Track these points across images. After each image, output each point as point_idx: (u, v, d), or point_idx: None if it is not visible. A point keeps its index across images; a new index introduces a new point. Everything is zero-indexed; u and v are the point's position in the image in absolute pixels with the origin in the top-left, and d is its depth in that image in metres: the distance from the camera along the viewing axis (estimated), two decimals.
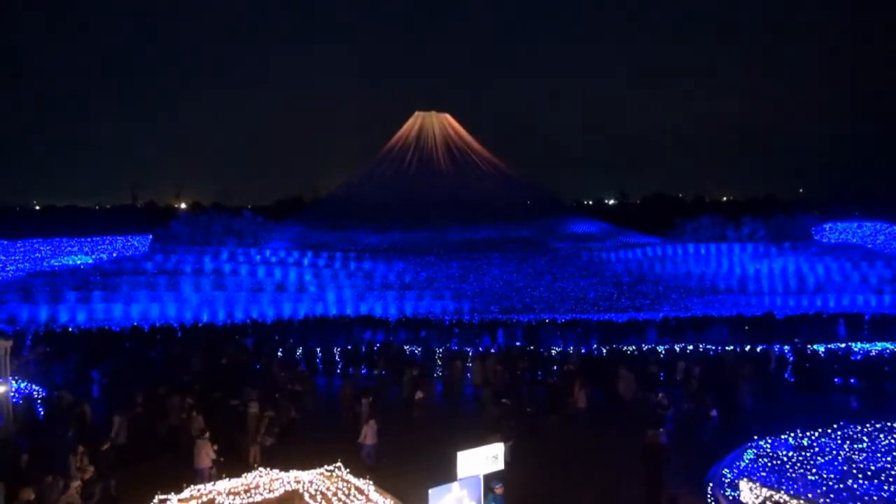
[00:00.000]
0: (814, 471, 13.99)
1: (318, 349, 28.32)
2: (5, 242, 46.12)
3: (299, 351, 28.27)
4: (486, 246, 53.57)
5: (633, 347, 28.69)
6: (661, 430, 16.18)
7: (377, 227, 61.08)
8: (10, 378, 18.43)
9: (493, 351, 27.23)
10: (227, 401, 18.90)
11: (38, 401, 20.01)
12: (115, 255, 48.27)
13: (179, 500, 11.18)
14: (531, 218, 67.38)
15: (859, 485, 13.19)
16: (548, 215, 68.87)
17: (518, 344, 30.30)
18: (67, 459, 13.94)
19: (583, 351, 27.62)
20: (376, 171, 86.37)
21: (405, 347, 28.86)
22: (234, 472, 12.67)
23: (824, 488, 12.99)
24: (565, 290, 42.95)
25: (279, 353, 27.80)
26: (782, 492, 12.83)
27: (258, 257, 45.90)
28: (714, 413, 18.96)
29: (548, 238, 60.23)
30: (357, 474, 12.33)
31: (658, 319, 34.87)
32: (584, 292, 42.64)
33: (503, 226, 62.77)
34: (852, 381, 24.66)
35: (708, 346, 27.91)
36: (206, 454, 15.09)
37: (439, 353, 27.49)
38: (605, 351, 27.98)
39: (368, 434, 16.98)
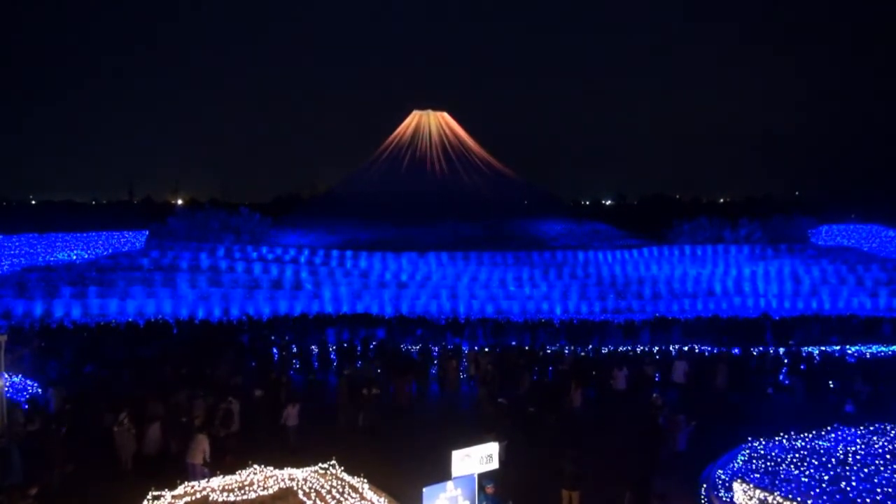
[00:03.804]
0: (808, 473, 14.02)
1: (314, 346, 28.27)
2: (1, 237, 45.91)
3: (294, 348, 28.22)
4: (482, 245, 53.48)
5: (629, 348, 28.69)
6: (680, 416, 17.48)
7: (374, 224, 60.99)
8: (4, 373, 18.35)
9: (486, 350, 27.22)
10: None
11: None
12: (111, 250, 48.09)
13: (173, 497, 11.14)
14: (528, 217, 67.27)
15: (853, 487, 13.21)
16: (545, 215, 68.77)
17: (514, 343, 30.26)
18: None
19: (578, 351, 27.62)
20: (372, 169, 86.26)
21: (402, 346, 28.83)
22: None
23: (818, 490, 13.02)
24: (561, 290, 42.94)
25: (276, 351, 27.76)
26: (776, 493, 12.85)
27: (255, 254, 45.80)
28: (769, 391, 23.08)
29: (544, 237, 60.19)
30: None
31: (651, 319, 34.90)
32: (581, 291, 42.68)
33: (500, 225, 62.70)
34: (847, 383, 24.70)
35: (703, 348, 27.94)
36: (202, 450, 15.02)
37: (435, 351, 27.46)
38: (600, 351, 27.97)
39: (290, 416, 17.81)
